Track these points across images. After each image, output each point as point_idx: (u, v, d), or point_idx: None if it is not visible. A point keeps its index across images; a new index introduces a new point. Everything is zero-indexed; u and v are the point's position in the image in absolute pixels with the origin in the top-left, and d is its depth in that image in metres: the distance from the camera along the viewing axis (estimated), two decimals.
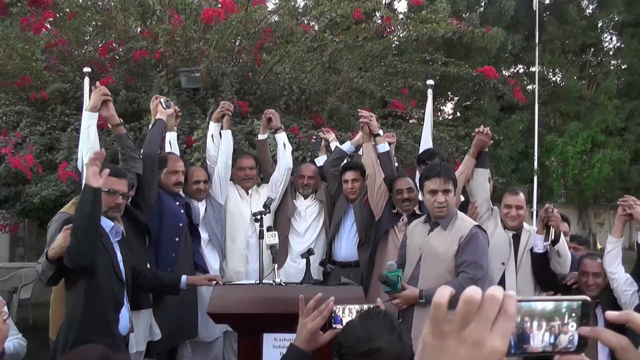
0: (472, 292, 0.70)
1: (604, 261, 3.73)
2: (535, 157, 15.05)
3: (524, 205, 3.94)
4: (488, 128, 4.18)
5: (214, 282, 3.58)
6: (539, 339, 0.79)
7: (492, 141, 4.25)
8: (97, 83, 3.82)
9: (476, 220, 3.94)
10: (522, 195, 3.97)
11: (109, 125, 3.79)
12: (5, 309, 1.44)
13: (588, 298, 0.82)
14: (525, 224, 4.01)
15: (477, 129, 4.18)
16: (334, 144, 5.05)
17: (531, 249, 3.82)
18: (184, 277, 3.59)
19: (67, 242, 2.91)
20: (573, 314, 0.80)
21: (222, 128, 4.50)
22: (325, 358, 1.89)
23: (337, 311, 1.85)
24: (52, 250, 2.95)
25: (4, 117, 6.12)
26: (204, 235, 4.38)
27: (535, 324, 0.78)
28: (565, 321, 0.80)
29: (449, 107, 16.99)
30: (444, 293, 0.71)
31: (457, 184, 3.47)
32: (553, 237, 3.72)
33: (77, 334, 2.91)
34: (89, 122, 3.68)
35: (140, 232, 3.71)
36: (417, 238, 3.51)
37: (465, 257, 3.27)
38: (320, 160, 5.15)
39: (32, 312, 8.10)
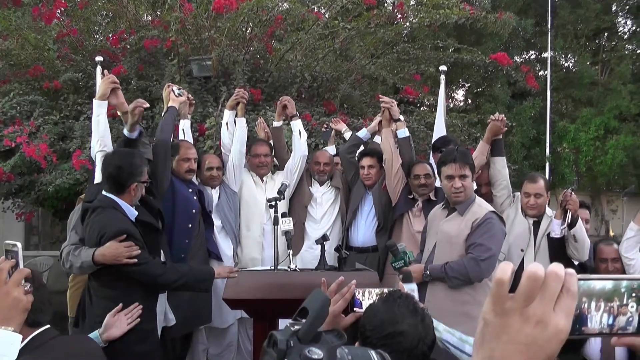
0: (536, 268, 0.68)
1: (620, 247, 3.71)
2: (547, 144, 14.90)
3: (543, 193, 3.90)
4: (503, 115, 4.17)
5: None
6: (596, 320, 0.76)
7: (506, 128, 4.24)
8: (105, 71, 3.83)
9: (499, 207, 3.96)
10: (541, 183, 3.94)
11: (119, 113, 3.80)
12: (29, 286, 1.44)
13: None
14: (548, 210, 3.98)
15: (492, 116, 4.17)
16: (347, 134, 5.06)
17: (548, 234, 3.80)
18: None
19: (121, 255, 2.99)
20: (633, 294, 0.76)
21: (236, 116, 4.50)
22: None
23: (357, 295, 1.86)
24: (104, 258, 3.02)
25: (18, 107, 6.16)
26: (217, 222, 4.39)
27: (593, 304, 0.75)
28: (625, 301, 0.76)
29: (460, 94, 16.87)
30: (505, 269, 0.69)
31: (474, 169, 3.45)
32: (569, 221, 3.70)
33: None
34: (98, 111, 3.67)
35: (153, 218, 3.72)
36: (435, 223, 3.52)
37: (474, 240, 3.27)
38: (329, 149, 5.13)
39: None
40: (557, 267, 0.68)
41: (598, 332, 0.77)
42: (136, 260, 3.02)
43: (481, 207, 3.40)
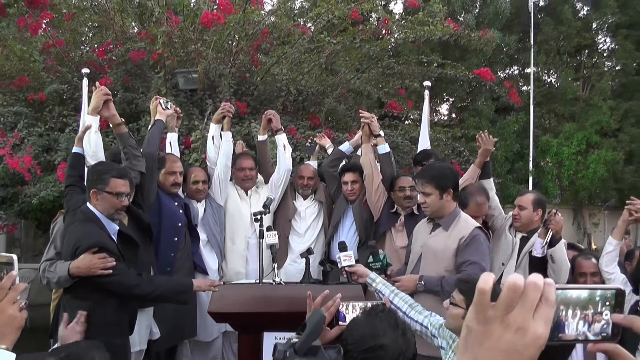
0: (516, 279, 0.71)
1: (601, 261, 3.75)
2: (531, 158, 15.08)
3: (527, 206, 3.93)
4: (486, 131, 4.24)
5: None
6: (573, 327, 0.80)
7: (494, 148, 4.29)
8: (97, 83, 3.82)
9: (492, 226, 4.03)
10: (528, 196, 3.99)
11: (111, 125, 3.79)
12: (24, 303, 1.42)
13: (621, 287, 0.83)
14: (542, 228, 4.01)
15: (480, 137, 4.22)
16: (330, 150, 5.09)
17: (530, 252, 3.84)
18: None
19: (95, 266, 2.97)
20: (607, 303, 0.81)
21: (222, 129, 4.51)
22: None
23: (342, 308, 1.89)
24: (78, 270, 3.01)
25: (2, 118, 6.12)
26: (202, 235, 4.39)
27: (570, 312, 0.79)
28: (599, 309, 0.81)
29: (444, 109, 17.03)
30: (487, 279, 0.73)
31: (444, 186, 3.36)
32: (548, 240, 3.73)
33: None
34: (89, 126, 3.67)
35: (143, 232, 3.72)
36: (420, 237, 3.54)
37: (467, 257, 3.27)
38: (311, 164, 5.13)
39: (30, 312, 8.08)
40: (536, 278, 0.72)
41: (574, 338, 0.81)
42: (111, 271, 3.01)
43: (467, 222, 3.41)
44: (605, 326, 0.81)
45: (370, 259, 3.39)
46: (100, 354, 2.08)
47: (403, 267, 3.65)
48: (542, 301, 0.72)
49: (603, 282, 3.73)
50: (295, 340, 1.07)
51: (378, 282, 2.90)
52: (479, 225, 3.47)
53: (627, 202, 3.76)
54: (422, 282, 3.32)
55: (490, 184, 4.24)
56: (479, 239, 3.32)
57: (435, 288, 3.28)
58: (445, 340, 2.51)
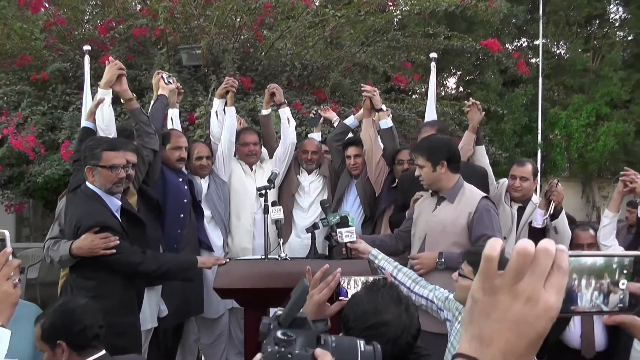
0: (526, 244, 0.66)
1: (598, 234, 3.71)
2: (539, 131, 14.93)
3: (529, 177, 3.90)
4: (471, 99, 4.27)
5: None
6: (587, 299, 0.74)
7: (483, 112, 4.29)
8: (110, 57, 3.77)
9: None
10: (528, 167, 3.94)
11: (122, 100, 3.74)
12: (17, 280, 1.39)
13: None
14: (534, 197, 3.98)
15: (467, 106, 4.20)
16: (337, 124, 5.03)
17: (530, 223, 3.80)
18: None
19: (97, 246, 2.96)
20: (625, 271, 0.74)
21: (226, 104, 4.46)
22: (334, 329, 1.89)
23: (343, 283, 1.86)
24: (80, 250, 3.00)
25: (5, 98, 6.10)
26: (206, 212, 4.36)
27: (584, 281, 0.73)
28: (616, 278, 0.74)
29: (451, 82, 16.83)
30: (495, 245, 0.67)
31: (436, 158, 3.27)
32: (551, 212, 3.70)
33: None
34: (102, 99, 3.60)
35: (152, 210, 3.70)
36: (425, 212, 3.46)
37: (483, 231, 3.16)
38: (314, 136, 5.06)
39: (40, 291, 8.18)
40: (548, 243, 0.66)
41: (588, 310, 0.74)
42: (114, 251, 2.99)
43: (472, 193, 3.32)
44: (622, 297, 0.75)
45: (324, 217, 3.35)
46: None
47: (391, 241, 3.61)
48: (554, 269, 0.66)
49: None
50: (281, 312, 1.04)
51: (380, 258, 2.87)
52: (484, 194, 3.39)
53: (621, 172, 3.71)
54: (442, 260, 3.20)
55: (482, 151, 4.21)
56: (489, 210, 3.25)
57: (458, 265, 3.19)
58: (451, 312, 2.48)
